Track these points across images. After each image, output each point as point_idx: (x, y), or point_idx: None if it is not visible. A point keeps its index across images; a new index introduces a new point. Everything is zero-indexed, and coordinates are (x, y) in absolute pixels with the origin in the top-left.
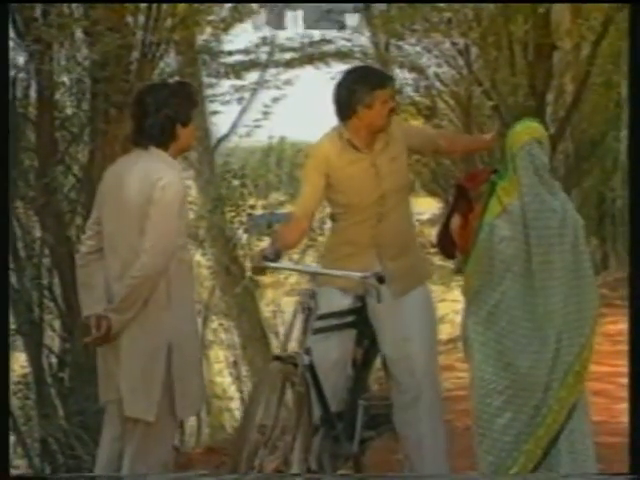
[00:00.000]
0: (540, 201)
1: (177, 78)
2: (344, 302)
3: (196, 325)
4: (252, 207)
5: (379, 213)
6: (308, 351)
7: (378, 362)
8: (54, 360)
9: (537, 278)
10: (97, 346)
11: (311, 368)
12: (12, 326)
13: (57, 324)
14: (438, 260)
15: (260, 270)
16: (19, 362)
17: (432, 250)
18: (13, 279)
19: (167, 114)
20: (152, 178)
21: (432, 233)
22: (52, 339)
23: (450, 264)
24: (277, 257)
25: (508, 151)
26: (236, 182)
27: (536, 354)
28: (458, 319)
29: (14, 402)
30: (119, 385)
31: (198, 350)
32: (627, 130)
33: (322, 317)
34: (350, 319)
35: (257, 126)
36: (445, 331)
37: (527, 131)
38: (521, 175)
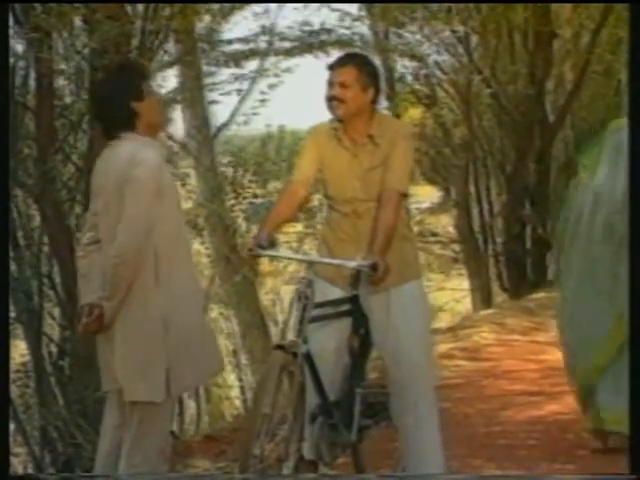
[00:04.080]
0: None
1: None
2: (337, 291)
3: (194, 302)
4: (253, 195)
5: (355, 211)
6: (306, 340)
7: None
8: (54, 348)
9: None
10: (90, 334)
11: (309, 357)
12: (12, 314)
13: (57, 312)
14: (438, 249)
15: (254, 258)
16: (19, 350)
17: (431, 239)
18: (12, 267)
19: (112, 96)
20: (127, 159)
21: (432, 221)
22: (52, 327)
23: (450, 253)
24: (271, 244)
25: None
26: (236, 170)
27: None
28: (458, 308)
29: (14, 390)
30: (116, 373)
31: (199, 328)
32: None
33: (318, 305)
34: (346, 307)
35: (255, 113)
36: (444, 319)
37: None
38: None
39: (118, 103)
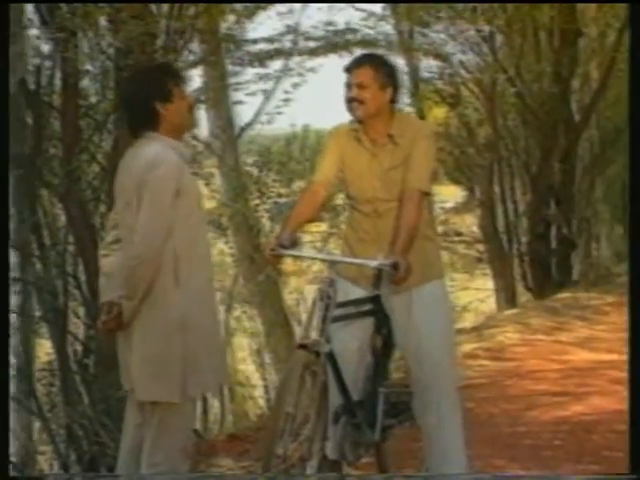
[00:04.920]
0: None
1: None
2: (359, 291)
3: (211, 304)
4: (277, 195)
5: (376, 210)
6: (328, 339)
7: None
8: (78, 347)
9: None
10: (109, 332)
11: (331, 356)
12: (37, 313)
13: (81, 311)
14: (462, 249)
15: (276, 258)
16: (44, 349)
17: (456, 239)
18: (38, 267)
19: (138, 94)
20: (147, 160)
21: (456, 221)
22: (76, 326)
23: (474, 252)
24: (293, 244)
25: None
26: (260, 170)
27: None
28: (482, 307)
29: (39, 389)
30: (134, 372)
31: (215, 329)
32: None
33: (340, 305)
34: (368, 307)
35: (278, 112)
36: (469, 319)
37: None
38: None
39: (143, 102)
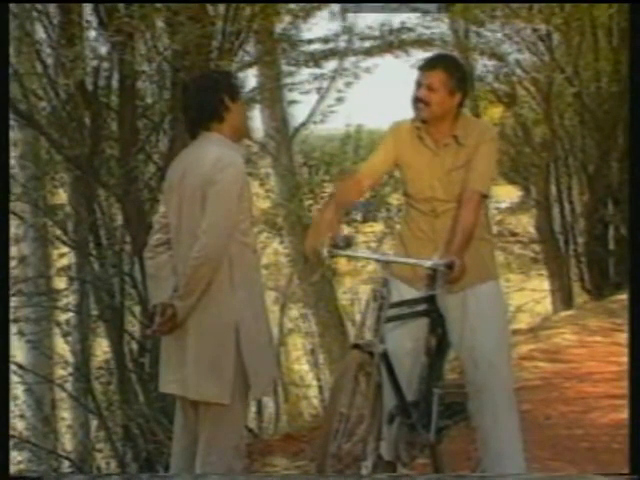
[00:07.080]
0: None
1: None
2: (414, 291)
3: (263, 307)
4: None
5: (433, 210)
6: (382, 339)
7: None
8: (135, 346)
9: None
10: (163, 335)
11: (385, 356)
12: (94, 312)
13: (137, 310)
14: (517, 249)
15: (329, 258)
16: (101, 348)
17: (511, 239)
18: (95, 266)
19: (209, 88)
20: (211, 160)
21: (512, 221)
22: (133, 325)
23: (530, 253)
24: (347, 244)
25: None
26: (314, 170)
27: None
28: (537, 308)
29: (97, 387)
30: (187, 371)
31: (267, 331)
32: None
33: (394, 305)
34: (422, 307)
35: (331, 112)
36: (524, 320)
37: None
38: None
39: (213, 95)
